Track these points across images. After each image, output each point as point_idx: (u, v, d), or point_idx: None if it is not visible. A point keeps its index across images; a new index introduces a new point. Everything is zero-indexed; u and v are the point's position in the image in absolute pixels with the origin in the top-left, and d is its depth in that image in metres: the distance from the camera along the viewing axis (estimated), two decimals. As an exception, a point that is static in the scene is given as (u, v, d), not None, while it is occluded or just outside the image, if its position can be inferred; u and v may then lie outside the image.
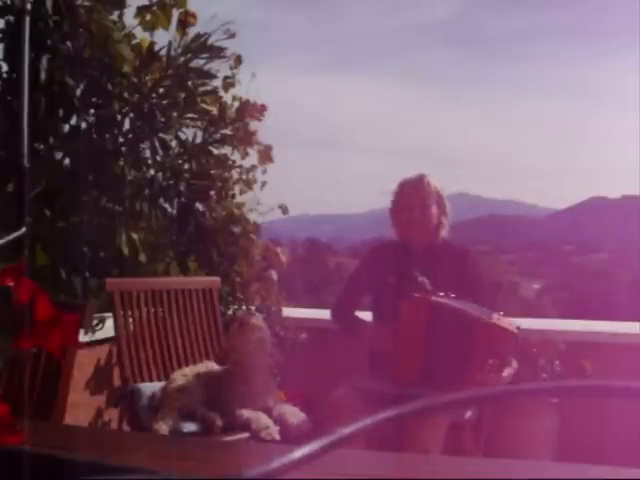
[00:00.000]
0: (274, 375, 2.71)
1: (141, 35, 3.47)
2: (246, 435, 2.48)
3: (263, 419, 2.51)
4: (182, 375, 2.69)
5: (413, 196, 2.78)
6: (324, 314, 3.21)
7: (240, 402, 2.56)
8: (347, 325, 2.92)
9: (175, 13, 3.51)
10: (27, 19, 2.80)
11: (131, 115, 3.42)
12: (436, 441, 2.50)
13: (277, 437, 2.47)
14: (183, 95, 3.48)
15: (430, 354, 2.51)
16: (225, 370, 2.67)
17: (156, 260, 3.47)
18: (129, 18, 3.43)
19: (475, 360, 2.49)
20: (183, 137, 3.64)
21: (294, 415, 2.59)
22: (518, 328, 2.55)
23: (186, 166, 3.71)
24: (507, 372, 2.53)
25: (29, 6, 2.94)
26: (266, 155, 4.00)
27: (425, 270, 2.65)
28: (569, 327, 3.65)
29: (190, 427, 2.51)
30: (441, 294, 2.51)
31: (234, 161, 3.92)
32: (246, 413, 2.52)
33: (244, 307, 3.71)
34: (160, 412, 2.52)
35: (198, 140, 3.71)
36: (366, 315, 2.90)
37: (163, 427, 2.45)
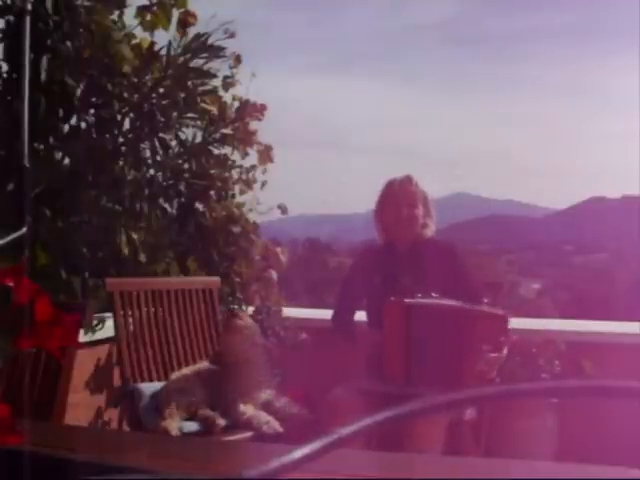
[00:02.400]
0: (268, 365, 2.75)
1: (141, 35, 3.47)
2: (247, 435, 2.48)
3: (262, 416, 2.53)
4: (182, 375, 2.70)
5: (401, 196, 2.79)
6: (324, 314, 3.21)
7: (242, 397, 2.58)
8: (343, 330, 2.93)
9: (175, 13, 3.51)
10: (27, 19, 2.80)
11: (131, 115, 3.42)
12: (436, 441, 2.50)
13: (279, 429, 2.49)
14: (183, 95, 3.48)
15: (415, 353, 2.52)
16: (224, 370, 2.68)
17: (156, 260, 3.47)
18: (129, 18, 3.43)
19: (469, 351, 2.50)
20: (183, 137, 3.64)
21: (292, 405, 2.63)
22: (505, 315, 2.57)
23: (186, 166, 3.71)
24: (500, 356, 2.54)
25: (29, 6, 2.94)
26: (266, 155, 4.00)
27: (411, 270, 2.68)
28: (569, 327, 3.65)
29: (190, 427, 2.51)
30: (419, 295, 2.53)
31: (234, 161, 3.92)
32: (248, 412, 2.54)
33: (243, 307, 3.71)
34: (165, 411, 2.52)
35: (198, 140, 3.71)
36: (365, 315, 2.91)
37: (172, 425, 2.46)
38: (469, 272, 2.79)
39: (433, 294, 2.54)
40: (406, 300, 2.52)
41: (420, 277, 2.63)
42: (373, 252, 2.91)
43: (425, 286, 2.57)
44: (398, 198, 2.79)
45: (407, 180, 2.81)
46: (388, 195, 2.83)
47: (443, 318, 2.52)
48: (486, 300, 2.58)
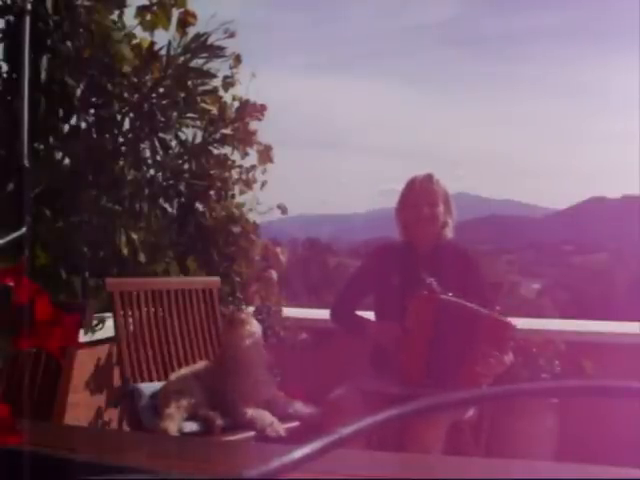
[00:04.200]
0: (270, 367, 2.75)
1: (141, 35, 3.47)
2: (247, 435, 2.48)
3: (267, 417, 2.53)
4: (182, 375, 2.69)
5: (422, 194, 2.78)
6: (324, 314, 3.20)
7: (242, 397, 2.57)
8: (349, 324, 2.91)
9: (175, 13, 3.51)
10: (27, 19, 2.80)
11: (131, 115, 3.42)
12: (436, 441, 2.50)
13: (282, 432, 2.49)
14: (183, 95, 3.48)
15: (437, 352, 2.52)
16: (223, 369, 2.68)
17: (156, 260, 3.47)
18: (129, 18, 3.44)
19: (471, 352, 2.50)
20: (183, 137, 3.64)
21: (303, 407, 2.65)
22: (511, 324, 2.58)
23: (186, 166, 3.71)
24: (504, 362, 2.54)
25: (29, 6, 2.94)
26: (266, 155, 4.00)
27: (430, 270, 2.66)
28: (569, 327, 3.65)
29: (190, 427, 2.51)
30: (450, 294, 2.52)
31: (234, 161, 3.92)
32: (250, 412, 2.53)
33: (243, 307, 3.71)
34: (165, 411, 2.52)
35: (198, 140, 3.71)
36: (367, 315, 2.90)
37: (171, 426, 2.45)
38: (484, 282, 2.80)
39: (459, 296, 2.54)
40: (441, 296, 2.52)
41: (438, 279, 2.62)
42: (391, 249, 2.89)
43: (443, 287, 2.56)
44: (419, 197, 2.78)
45: (428, 178, 2.80)
46: (409, 193, 2.82)
47: (465, 319, 2.52)
48: (498, 307, 2.58)
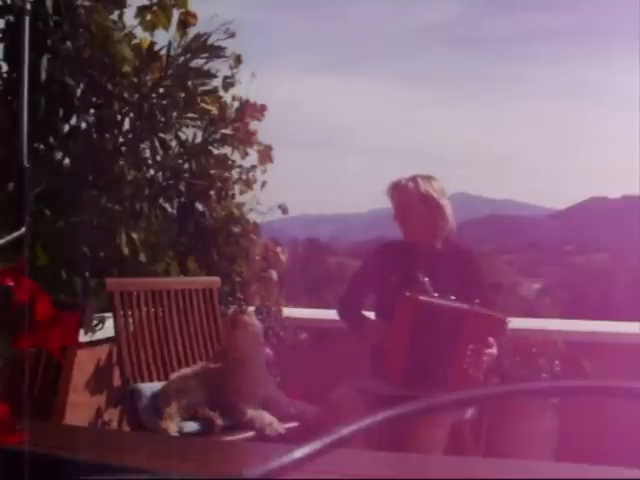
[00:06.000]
0: (270, 366, 2.76)
1: (141, 35, 3.47)
2: (247, 434, 2.49)
3: (266, 416, 2.53)
4: (182, 375, 2.70)
5: (394, 197, 2.82)
6: (324, 314, 3.21)
7: (242, 397, 2.58)
8: (353, 322, 2.92)
9: (175, 13, 3.51)
10: (27, 19, 2.80)
11: (131, 115, 3.42)
12: (436, 441, 2.50)
13: (282, 431, 2.49)
14: (183, 95, 3.48)
15: (420, 353, 2.53)
16: (223, 368, 2.68)
17: (156, 260, 3.47)
18: (129, 18, 3.43)
19: (456, 350, 2.51)
20: (183, 137, 3.64)
21: (303, 406, 2.66)
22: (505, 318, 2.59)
23: (186, 166, 3.71)
24: (489, 354, 2.55)
25: (29, 6, 2.94)
26: (266, 155, 4.00)
27: (428, 270, 2.67)
28: (569, 327, 3.65)
29: (190, 427, 2.51)
30: (435, 295, 2.53)
31: (234, 161, 3.92)
32: (249, 412, 2.54)
33: (243, 306, 3.71)
34: (165, 411, 2.52)
35: (198, 140, 3.71)
36: (370, 315, 2.91)
37: (171, 426, 2.45)
38: (484, 281, 2.80)
39: (452, 297, 2.55)
40: (421, 297, 2.52)
41: (437, 279, 2.63)
42: (391, 248, 2.91)
43: (441, 287, 2.57)
44: (393, 200, 2.82)
45: (398, 181, 2.82)
46: (391, 198, 2.85)
47: (449, 320, 2.53)
48: (478, 300, 2.58)
